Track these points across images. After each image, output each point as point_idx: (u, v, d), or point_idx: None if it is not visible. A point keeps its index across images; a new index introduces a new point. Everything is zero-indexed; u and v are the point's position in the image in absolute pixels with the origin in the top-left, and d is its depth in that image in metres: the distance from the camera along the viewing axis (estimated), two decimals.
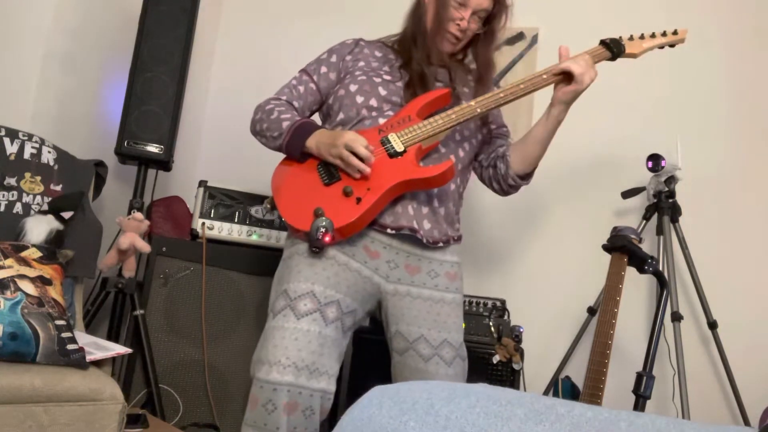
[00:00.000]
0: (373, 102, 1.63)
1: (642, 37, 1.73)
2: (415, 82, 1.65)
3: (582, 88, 1.56)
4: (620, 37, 1.70)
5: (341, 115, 1.65)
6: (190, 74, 2.34)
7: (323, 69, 1.72)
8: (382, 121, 1.61)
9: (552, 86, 1.63)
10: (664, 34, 1.74)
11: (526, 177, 1.74)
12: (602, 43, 1.69)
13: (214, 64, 3.10)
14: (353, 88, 1.64)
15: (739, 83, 2.51)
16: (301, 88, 1.71)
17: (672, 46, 1.77)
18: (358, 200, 1.49)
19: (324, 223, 1.44)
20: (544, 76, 1.62)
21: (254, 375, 1.46)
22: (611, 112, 2.58)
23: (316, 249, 1.47)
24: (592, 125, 2.57)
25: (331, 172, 1.55)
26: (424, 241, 1.59)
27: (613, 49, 1.67)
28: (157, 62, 2.21)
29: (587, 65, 1.57)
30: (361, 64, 1.69)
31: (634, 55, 1.71)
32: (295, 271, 1.52)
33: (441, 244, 1.64)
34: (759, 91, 2.48)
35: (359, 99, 1.63)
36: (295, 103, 1.70)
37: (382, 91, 1.64)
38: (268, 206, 1.63)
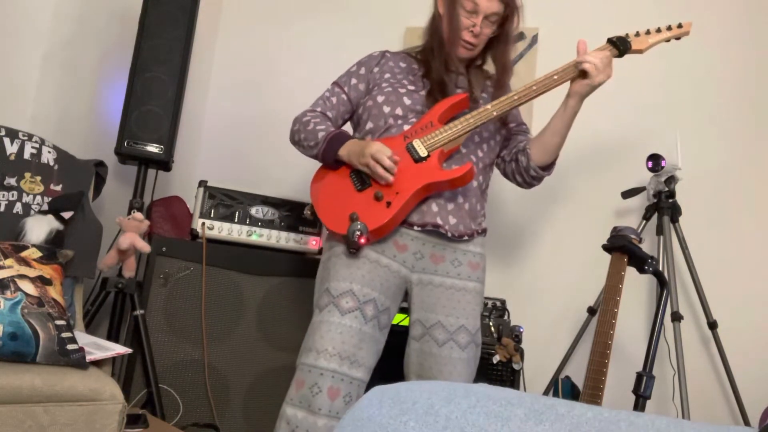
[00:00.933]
0: (399, 111, 1.74)
1: (648, 32, 1.76)
2: (436, 90, 1.76)
3: (595, 83, 1.65)
4: (626, 34, 1.74)
5: (370, 124, 1.77)
6: (190, 74, 2.34)
7: (353, 80, 1.84)
8: (407, 128, 1.73)
9: (559, 87, 1.71)
10: (669, 28, 1.77)
11: (548, 168, 1.83)
12: (609, 41, 1.74)
13: (214, 64, 3.10)
14: (380, 99, 1.76)
15: (739, 83, 2.51)
16: (334, 99, 1.84)
17: (678, 38, 1.79)
18: (388, 204, 1.63)
19: (359, 227, 1.58)
20: (555, 77, 1.70)
21: (301, 361, 1.61)
22: (611, 112, 2.58)
23: (353, 250, 1.63)
24: (592, 125, 2.57)
25: (362, 178, 1.69)
26: (449, 235, 1.70)
27: (620, 46, 1.72)
28: (157, 62, 2.21)
29: (604, 63, 1.65)
30: (387, 75, 1.81)
31: (640, 51, 1.75)
32: (333, 271, 1.67)
33: (466, 238, 1.74)
34: (759, 91, 2.48)
35: (386, 109, 1.75)
36: (329, 114, 1.82)
37: (407, 101, 1.75)
38: (309, 212, 1.80)
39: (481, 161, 1.79)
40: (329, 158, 1.72)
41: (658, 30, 1.76)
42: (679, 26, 1.77)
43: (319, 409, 1.53)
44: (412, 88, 1.78)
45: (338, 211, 1.66)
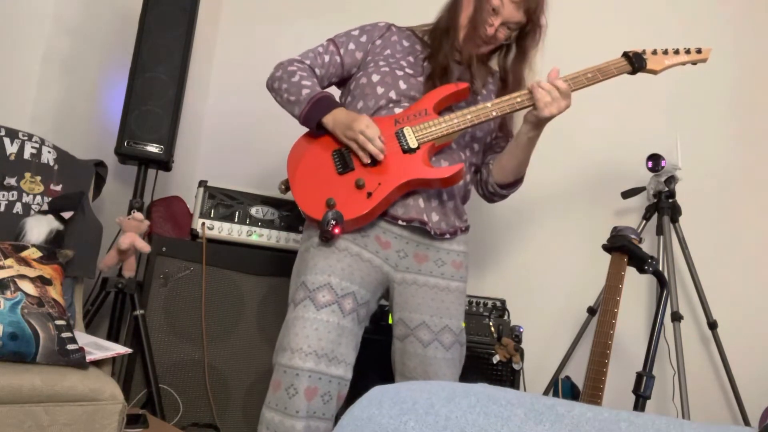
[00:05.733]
0: (393, 95, 1.66)
1: (665, 52, 1.69)
2: (437, 74, 1.66)
3: (542, 117, 1.56)
4: (643, 51, 1.68)
5: (360, 103, 1.68)
6: (190, 74, 2.34)
7: (351, 45, 1.73)
8: (398, 111, 1.64)
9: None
10: (687, 51, 1.70)
11: (507, 187, 1.77)
12: (624, 55, 1.67)
13: (214, 64, 3.10)
14: (375, 78, 1.67)
15: (739, 83, 2.51)
16: (326, 57, 1.73)
17: (694, 63, 1.73)
18: (369, 195, 1.54)
19: (334, 215, 1.49)
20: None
21: (276, 361, 1.52)
22: (611, 112, 2.58)
23: (325, 239, 1.52)
24: (593, 125, 2.57)
25: (345, 161, 1.58)
26: (432, 233, 1.64)
27: (635, 63, 1.66)
28: (157, 62, 2.21)
29: (558, 96, 1.55)
30: (387, 52, 1.71)
31: (654, 72, 1.68)
32: (311, 264, 1.58)
33: (448, 236, 1.68)
34: (759, 91, 2.48)
35: (380, 90, 1.66)
36: (317, 71, 1.71)
37: (402, 85, 1.67)
38: (283, 187, 1.68)
39: (469, 160, 1.73)
40: (312, 122, 1.60)
41: (676, 52, 1.69)
42: (698, 51, 1.71)
43: (296, 411, 1.45)
44: (410, 71, 1.69)
45: (315, 193, 1.56)
